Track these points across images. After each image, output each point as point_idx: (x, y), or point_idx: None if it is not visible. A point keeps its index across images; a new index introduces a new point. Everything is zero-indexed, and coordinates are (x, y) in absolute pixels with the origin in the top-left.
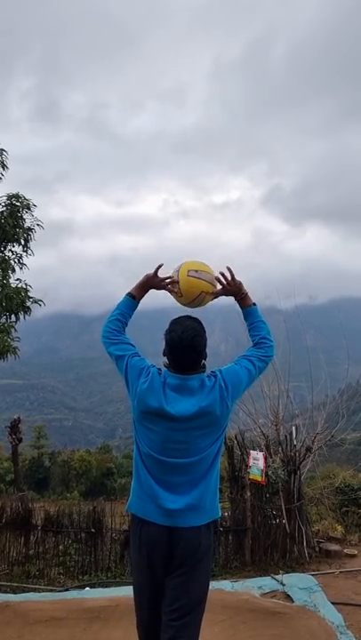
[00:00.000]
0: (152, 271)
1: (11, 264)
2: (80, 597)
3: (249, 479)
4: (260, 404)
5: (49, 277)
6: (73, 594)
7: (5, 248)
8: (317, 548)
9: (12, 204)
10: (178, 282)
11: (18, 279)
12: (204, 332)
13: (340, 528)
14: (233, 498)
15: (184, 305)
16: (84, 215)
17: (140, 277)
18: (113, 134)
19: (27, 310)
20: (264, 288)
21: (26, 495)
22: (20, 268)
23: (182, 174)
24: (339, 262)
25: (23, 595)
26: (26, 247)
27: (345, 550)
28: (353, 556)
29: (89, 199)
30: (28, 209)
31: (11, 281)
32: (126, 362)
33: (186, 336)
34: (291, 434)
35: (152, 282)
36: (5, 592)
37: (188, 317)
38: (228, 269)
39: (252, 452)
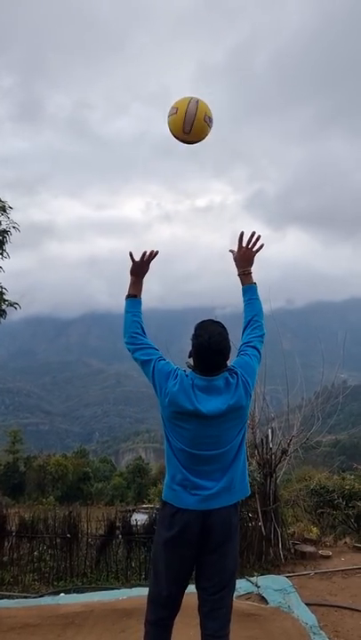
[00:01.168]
0: (130, 266)
1: None
2: (54, 604)
3: None
4: None
5: (27, 280)
6: (47, 600)
7: None
8: (293, 550)
9: None
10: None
11: None
12: (228, 333)
13: (315, 530)
14: None
15: (179, 137)
16: (65, 217)
17: (120, 280)
18: (96, 136)
19: (2, 313)
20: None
21: (0, 501)
22: None
23: (165, 178)
24: (317, 267)
25: None
26: (1, 250)
27: (320, 552)
28: (328, 557)
29: (70, 201)
30: (4, 211)
31: None
32: (153, 366)
33: (213, 341)
34: (267, 437)
35: (137, 271)
36: None
37: (212, 322)
38: (257, 240)
39: None
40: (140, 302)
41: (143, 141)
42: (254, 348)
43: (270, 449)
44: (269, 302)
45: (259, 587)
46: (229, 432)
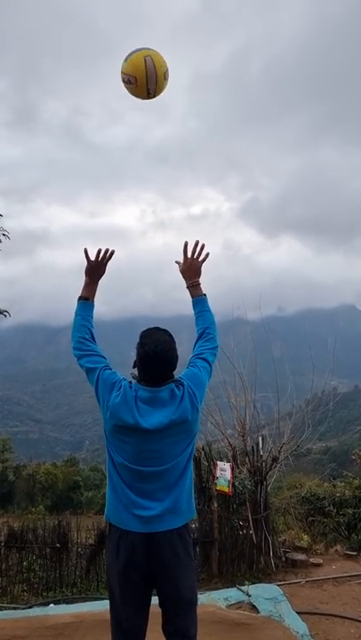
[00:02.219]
0: (86, 265)
1: None
2: (43, 615)
3: (216, 490)
4: (228, 415)
5: (18, 287)
6: (36, 611)
7: None
8: (284, 558)
9: None
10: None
11: None
12: (175, 342)
13: (306, 537)
14: (200, 509)
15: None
16: (58, 225)
17: (112, 288)
18: (90, 143)
19: None
20: (236, 299)
21: None
22: None
23: (160, 185)
24: (309, 275)
25: None
26: None
27: (311, 559)
28: (319, 565)
29: (64, 208)
30: None
31: None
32: (98, 375)
33: (160, 350)
34: (257, 444)
35: (93, 271)
36: None
37: (158, 329)
38: (202, 249)
39: (219, 462)
40: (92, 306)
41: (137, 149)
42: (205, 360)
43: (261, 456)
44: (260, 310)
45: (250, 595)
46: (174, 447)
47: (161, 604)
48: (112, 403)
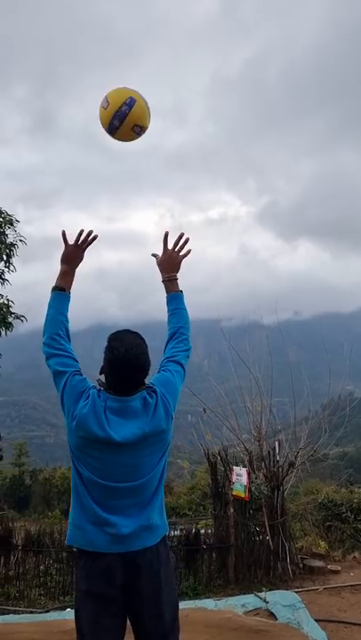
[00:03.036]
0: (63, 251)
1: None
2: (61, 619)
3: (232, 495)
4: (243, 420)
5: (36, 292)
6: (54, 615)
7: None
8: (301, 565)
9: None
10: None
11: (0, 295)
12: (147, 346)
13: (323, 544)
14: (216, 515)
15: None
16: (76, 230)
17: (131, 292)
18: (109, 149)
19: (8, 326)
20: (252, 304)
21: (6, 514)
22: (2, 284)
23: (177, 190)
24: (325, 278)
25: (2, 617)
26: (8, 263)
27: (329, 566)
28: (337, 572)
29: (82, 214)
30: (11, 224)
31: None
32: (66, 380)
33: (131, 355)
34: (274, 449)
35: (70, 257)
36: None
37: (129, 332)
38: (185, 242)
39: (235, 467)
40: (67, 297)
41: (156, 154)
42: (178, 363)
43: (277, 461)
44: (276, 314)
45: (267, 602)
46: (148, 460)
47: (139, 634)
48: (79, 413)
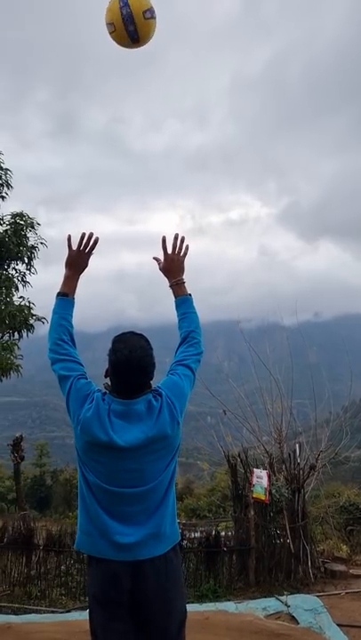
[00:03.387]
0: (67, 256)
1: (14, 282)
2: (82, 619)
3: (253, 498)
4: (264, 422)
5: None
6: (75, 615)
7: (9, 266)
8: (322, 569)
9: (15, 223)
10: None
11: (21, 297)
12: (152, 348)
13: (345, 548)
14: (236, 517)
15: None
16: (96, 232)
17: (150, 294)
18: (130, 151)
19: (30, 328)
20: (272, 305)
21: (28, 514)
22: (24, 286)
23: (198, 192)
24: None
25: (25, 616)
26: (29, 265)
27: (351, 570)
28: (359, 576)
29: (103, 216)
30: (32, 227)
31: (14, 299)
32: (71, 384)
33: (135, 357)
34: (294, 452)
35: (74, 262)
36: (7, 613)
37: (134, 334)
38: (182, 242)
39: (255, 470)
40: (72, 303)
41: (176, 156)
42: (187, 367)
43: (298, 464)
44: (296, 315)
45: (289, 606)
46: (154, 465)
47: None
48: (83, 417)
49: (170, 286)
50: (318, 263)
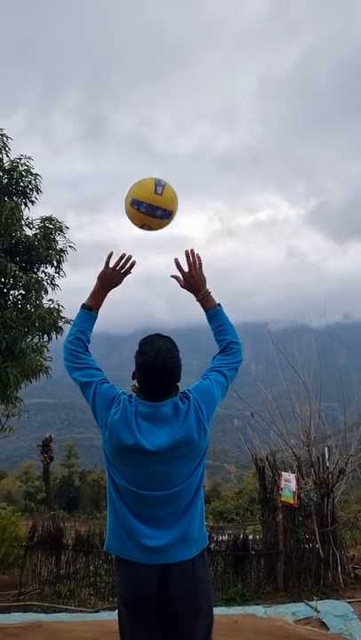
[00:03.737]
0: (101, 270)
1: (44, 285)
2: (111, 619)
3: (281, 501)
4: (292, 425)
5: (85, 297)
6: (104, 615)
7: (39, 269)
8: (353, 575)
9: (45, 227)
10: (130, 262)
11: (50, 300)
12: (178, 351)
13: None
14: (265, 520)
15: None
16: (125, 235)
17: (178, 297)
18: (158, 154)
19: (59, 330)
20: (301, 307)
21: (57, 514)
22: (53, 289)
23: (226, 193)
24: None
25: (54, 615)
26: (58, 268)
27: None
28: None
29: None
30: (61, 231)
31: (43, 302)
32: (94, 390)
33: (160, 359)
34: (323, 455)
35: (108, 279)
36: (37, 612)
37: (160, 336)
38: (194, 255)
39: (283, 473)
40: (94, 318)
41: (205, 157)
42: (221, 373)
43: (327, 468)
44: (325, 317)
45: (318, 612)
46: (181, 468)
47: None
48: (110, 420)
49: (197, 301)
50: (348, 264)
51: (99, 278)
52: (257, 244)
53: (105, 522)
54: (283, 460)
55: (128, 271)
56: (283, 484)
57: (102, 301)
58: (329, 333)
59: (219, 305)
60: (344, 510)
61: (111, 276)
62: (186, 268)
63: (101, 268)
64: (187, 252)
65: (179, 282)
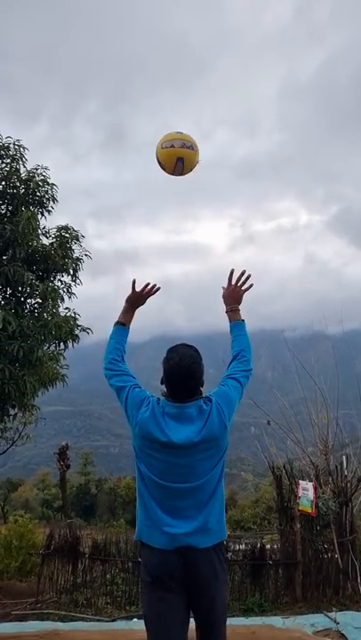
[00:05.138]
0: (130, 291)
1: (60, 294)
2: (128, 629)
3: (298, 510)
4: (309, 433)
5: (105, 304)
6: (121, 624)
7: (55, 278)
8: None
9: (61, 236)
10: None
11: (67, 308)
12: (201, 358)
13: None
14: (282, 530)
15: (174, 175)
16: (145, 243)
17: (197, 304)
18: None
19: (75, 338)
20: (319, 313)
21: (74, 522)
22: (69, 297)
23: (247, 200)
24: None
25: (72, 623)
26: (74, 277)
27: None
28: None
29: (151, 227)
30: (77, 240)
31: (60, 310)
32: (127, 393)
33: (184, 364)
34: (341, 463)
35: (134, 300)
36: (54, 620)
37: (185, 345)
38: (245, 276)
39: (301, 482)
40: (127, 331)
41: (225, 164)
42: (236, 380)
43: (345, 476)
44: (341, 324)
45: (338, 623)
46: (203, 464)
47: (196, 623)
48: (140, 418)
49: (226, 312)
50: None
51: (126, 300)
52: (277, 251)
53: (122, 529)
54: (300, 468)
55: (150, 295)
56: (300, 492)
57: (132, 317)
58: (346, 340)
59: (243, 320)
60: None
61: (138, 298)
62: (234, 282)
63: (120, 277)
64: (243, 271)
65: (223, 289)
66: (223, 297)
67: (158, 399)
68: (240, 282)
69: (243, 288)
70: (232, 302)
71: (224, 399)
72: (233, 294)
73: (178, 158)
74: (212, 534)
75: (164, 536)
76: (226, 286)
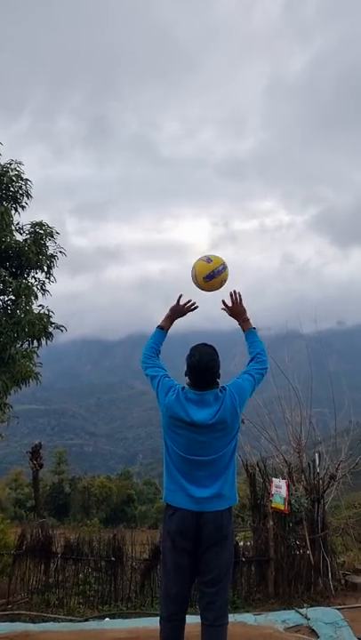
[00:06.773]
0: (175, 303)
1: (34, 291)
2: (100, 628)
3: (271, 508)
4: (282, 431)
5: (80, 302)
6: (93, 624)
7: (29, 275)
8: (343, 581)
9: (35, 232)
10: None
11: (40, 305)
12: (218, 356)
13: None
14: (255, 527)
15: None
16: (127, 240)
17: (170, 301)
18: (163, 159)
19: (49, 336)
20: (294, 312)
21: (46, 522)
22: (43, 295)
23: (231, 199)
24: None
25: (43, 624)
26: (48, 274)
27: None
28: None
29: (134, 224)
30: (52, 236)
31: (33, 307)
32: (159, 380)
33: (203, 360)
34: (314, 461)
35: (177, 311)
36: (25, 621)
37: (205, 344)
38: (237, 293)
39: (274, 479)
40: (164, 335)
41: (209, 162)
42: (250, 374)
43: (317, 474)
44: (315, 323)
45: (308, 619)
46: (217, 441)
47: (201, 575)
48: (168, 400)
49: (239, 324)
50: (347, 271)
51: (170, 309)
52: (256, 250)
53: (95, 529)
54: (273, 466)
55: (190, 310)
56: (273, 490)
57: (171, 324)
58: (319, 339)
59: (254, 328)
60: (335, 516)
61: (180, 310)
62: (230, 304)
63: (100, 274)
64: (231, 293)
65: (227, 311)
66: (231, 316)
67: (183, 387)
68: (235, 300)
69: (239, 302)
70: (241, 316)
71: (237, 389)
72: (237, 311)
73: (222, 282)
74: (225, 499)
75: (186, 498)
76: (227, 306)
